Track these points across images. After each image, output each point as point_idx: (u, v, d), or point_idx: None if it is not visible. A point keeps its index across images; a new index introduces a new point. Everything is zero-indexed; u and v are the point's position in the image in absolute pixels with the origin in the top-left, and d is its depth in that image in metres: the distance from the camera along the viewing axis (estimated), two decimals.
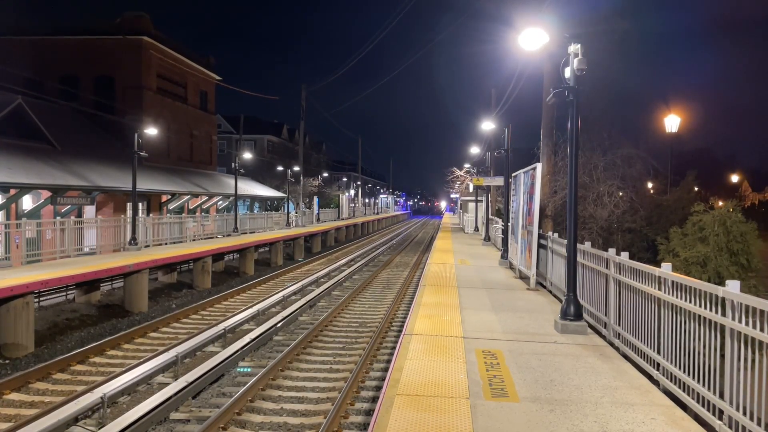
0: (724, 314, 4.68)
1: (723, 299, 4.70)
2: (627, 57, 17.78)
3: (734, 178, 68.34)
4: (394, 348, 10.64)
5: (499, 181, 22.55)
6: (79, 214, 23.19)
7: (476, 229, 35.10)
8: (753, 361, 4.30)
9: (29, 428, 6.94)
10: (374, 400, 8.35)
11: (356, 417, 7.81)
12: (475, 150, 40.78)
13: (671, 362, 5.66)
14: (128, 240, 19.26)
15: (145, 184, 24.03)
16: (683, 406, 5.21)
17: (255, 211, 41.00)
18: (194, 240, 24.11)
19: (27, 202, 20.82)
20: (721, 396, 4.68)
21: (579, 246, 8.74)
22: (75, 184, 20.13)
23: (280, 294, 16.70)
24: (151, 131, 22.70)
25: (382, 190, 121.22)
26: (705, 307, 4.99)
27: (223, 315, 14.70)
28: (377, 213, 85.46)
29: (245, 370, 10.12)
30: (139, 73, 30.64)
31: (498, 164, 30.47)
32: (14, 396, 8.69)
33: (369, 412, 7.89)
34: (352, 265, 25.00)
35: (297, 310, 14.69)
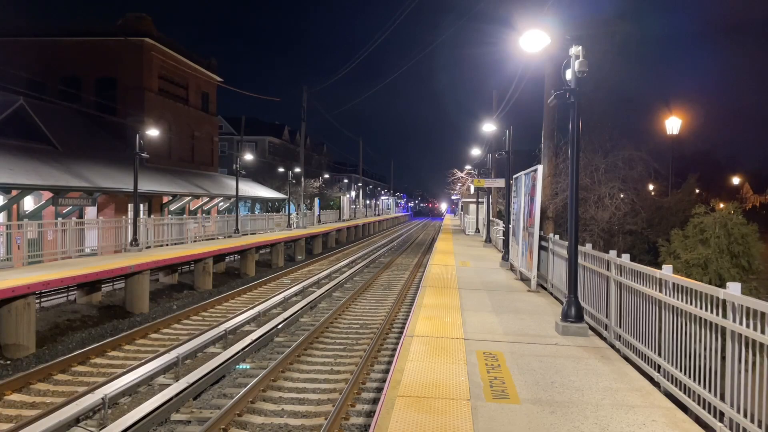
0: (725, 316, 4.69)
1: (724, 301, 4.70)
2: (628, 59, 17.78)
3: (735, 180, 68.33)
4: (395, 349, 10.64)
5: (500, 182, 22.55)
6: (81, 215, 23.21)
7: (477, 230, 35.10)
8: (754, 363, 4.30)
9: (30, 429, 6.95)
10: (375, 401, 8.35)
11: (357, 418, 7.81)
12: (476, 152, 40.78)
13: (672, 364, 5.66)
14: (129, 241, 19.29)
15: (147, 185, 24.06)
16: (684, 408, 5.21)
17: (256, 213, 41.04)
18: (195, 241, 24.14)
19: (28, 203, 20.85)
20: (722, 398, 4.68)
21: (580, 248, 8.75)
22: (76, 185, 20.16)
23: (281, 295, 16.70)
24: (153, 132, 22.74)
25: (383, 192, 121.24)
26: (706, 309, 4.99)
27: (224, 316, 14.71)
28: (378, 214, 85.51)
29: (245, 367, 10.14)
30: (141, 75, 30.69)
31: (499, 166, 30.48)
32: (15, 397, 8.71)
33: (370, 414, 7.89)
34: (353, 267, 25.01)
35: (298, 311, 14.69)
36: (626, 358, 6.85)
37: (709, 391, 4.88)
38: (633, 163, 17.23)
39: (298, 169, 41.66)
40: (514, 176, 15.27)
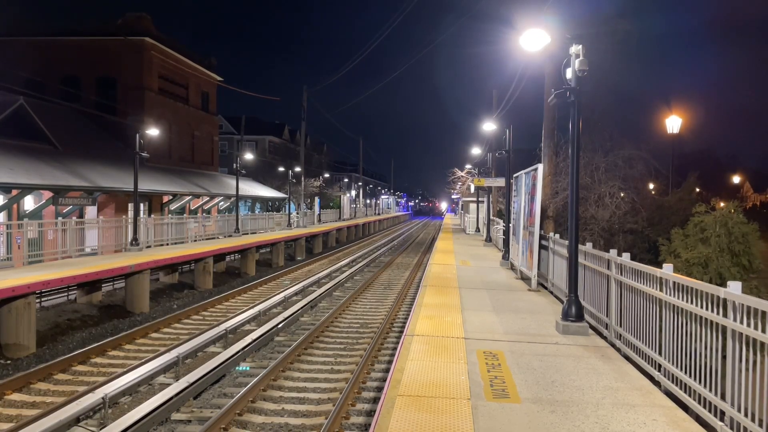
0: (725, 315, 4.68)
1: (724, 300, 4.70)
2: (628, 58, 17.76)
3: (736, 179, 68.33)
4: (395, 349, 10.64)
5: (501, 182, 22.54)
6: (81, 215, 23.21)
7: (477, 230, 35.09)
8: (754, 362, 4.30)
9: (31, 428, 6.95)
10: (375, 400, 8.35)
11: (357, 418, 7.81)
12: (476, 151, 40.77)
13: (673, 363, 5.65)
14: (130, 240, 19.28)
15: (147, 184, 24.06)
16: (685, 408, 5.20)
17: (256, 212, 41.03)
18: (195, 241, 24.13)
19: (29, 203, 20.85)
20: (723, 397, 4.68)
21: (580, 247, 8.74)
22: (76, 185, 20.16)
23: (282, 294, 16.70)
24: (153, 132, 22.72)
25: (383, 191, 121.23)
26: (706, 309, 4.99)
27: (224, 315, 14.70)
28: (378, 214, 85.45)
29: (245, 369, 10.14)
30: (141, 74, 30.68)
31: (499, 165, 30.47)
32: (16, 396, 8.71)
33: (370, 413, 7.89)
34: (354, 266, 25.00)
35: (298, 310, 14.69)
36: (627, 357, 6.85)
37: (710, 390, 4.87)
38: (633, 162, 17.22)
39: (298, 169, 41.64)
40: (515, 175, 15.26)
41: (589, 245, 9.10)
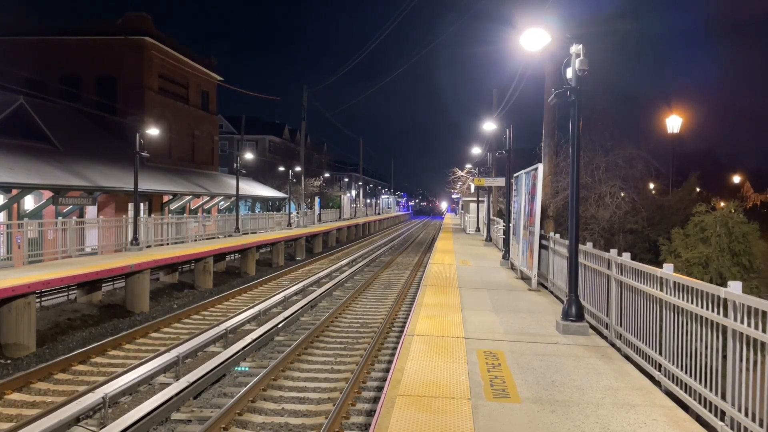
0: (726, 315, 4.68)
1: (725, 300, 4.69)
2: (629, 58, 17.76)
3: (736, 179, 68.25)
4: (395, 349, 10.64)
5: (501, 181, 22.53)
6: (81, 215, 23.21)
7: (477, 229, 35.09)
8: (755, 361, 4.29)
9: (31, 428, 6.95)
10: (375, 400, 8.35)
11: (357, 417, 7.81)
12: (476, 150, 40.77)
13: (673, 363, 5.65)
14: (130, 240, 19.28)
15: (147, 184, 24.05)
16: (685, 407, 5.20)
17: (256, 212, 41.03)
18: (196, 240, 24.13)
19: (29, 203, 20.84)
20: (723, 397, 4.67)
21: (580, 247, 8.74)
22: (77, 185, 20.15)
23: (282, 294, 16.70)
24: (153, 131, 22.72)
25: (383, 191, 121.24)
26: (707, 308, 4.98)
27: (224, 315, 14.70)
28: (379, 213, 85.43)
29: (244, 369, 10.13)
30: (141, 74, 30.66)
31: (499, 165, 30.46)
32: (16, 396, 8.71)
33: (370, 413, 7.89)
34: (354, 266, 25.00)
35: (298, 310, 14.69)
36: (627, 357, 6.84)
37: (710, 389, 4.87)
38: (634, 161, 17.19)
39: (298, 168, 41.65)
40: (515, 175, 15.26)
41: (589, 245, 9.10)
